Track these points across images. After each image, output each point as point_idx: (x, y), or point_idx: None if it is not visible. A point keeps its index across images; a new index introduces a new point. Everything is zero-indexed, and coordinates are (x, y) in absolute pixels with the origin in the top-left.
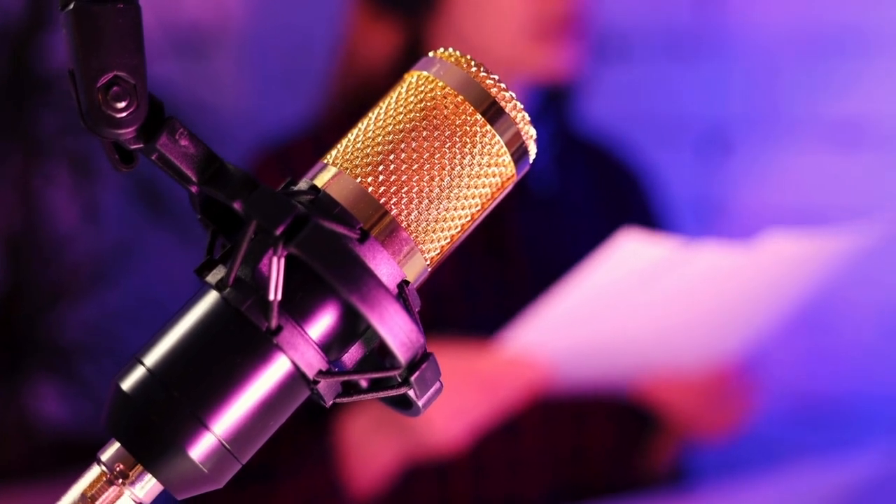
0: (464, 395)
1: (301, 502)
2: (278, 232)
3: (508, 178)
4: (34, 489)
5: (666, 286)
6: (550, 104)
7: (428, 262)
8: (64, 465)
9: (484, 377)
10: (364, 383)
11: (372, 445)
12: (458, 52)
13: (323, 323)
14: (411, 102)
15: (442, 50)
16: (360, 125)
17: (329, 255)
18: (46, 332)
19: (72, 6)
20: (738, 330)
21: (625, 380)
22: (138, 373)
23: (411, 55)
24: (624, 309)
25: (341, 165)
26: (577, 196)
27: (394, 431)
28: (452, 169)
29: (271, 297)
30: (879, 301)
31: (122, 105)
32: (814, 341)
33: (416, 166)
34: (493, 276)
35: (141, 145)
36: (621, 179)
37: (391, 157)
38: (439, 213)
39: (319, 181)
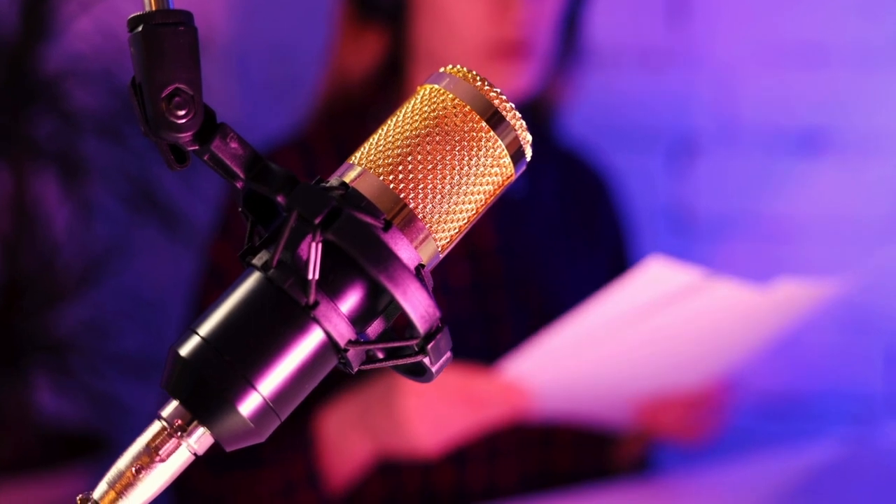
0: (449, 409)
1: (280, 487)
2: (317, 221)
3: (508, 177)
4: (29, 481)
5: (668, 317)
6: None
7: (440, 249)
8: (57, 458)
9: (473, 397)
10: (380, 354)
11: (349, 441)
12: (465, 69)
13: (352, 300)
14: (425, 111)
15: (451, 66)
16: (380, 130)
17: (360, 241)
18: (41, 330)
19: (140, 28)
20: (725, 355)
21: (606, 411)
22: (194, 341)
23: (393, 66)
24: (621, 340)
25: (366, 165)
26: (545, 200)
27: (372, 431)
28: (461, 168)
29: (310, 276)
30: (836, 307)
31: (182, 113)
32: (778, 344)
33: (430, 166)
34: (466, 276)
35: (196, 147)
36: (590, 186)
37: (409, 158)
38: (450, 207)
39: (347, 178)
